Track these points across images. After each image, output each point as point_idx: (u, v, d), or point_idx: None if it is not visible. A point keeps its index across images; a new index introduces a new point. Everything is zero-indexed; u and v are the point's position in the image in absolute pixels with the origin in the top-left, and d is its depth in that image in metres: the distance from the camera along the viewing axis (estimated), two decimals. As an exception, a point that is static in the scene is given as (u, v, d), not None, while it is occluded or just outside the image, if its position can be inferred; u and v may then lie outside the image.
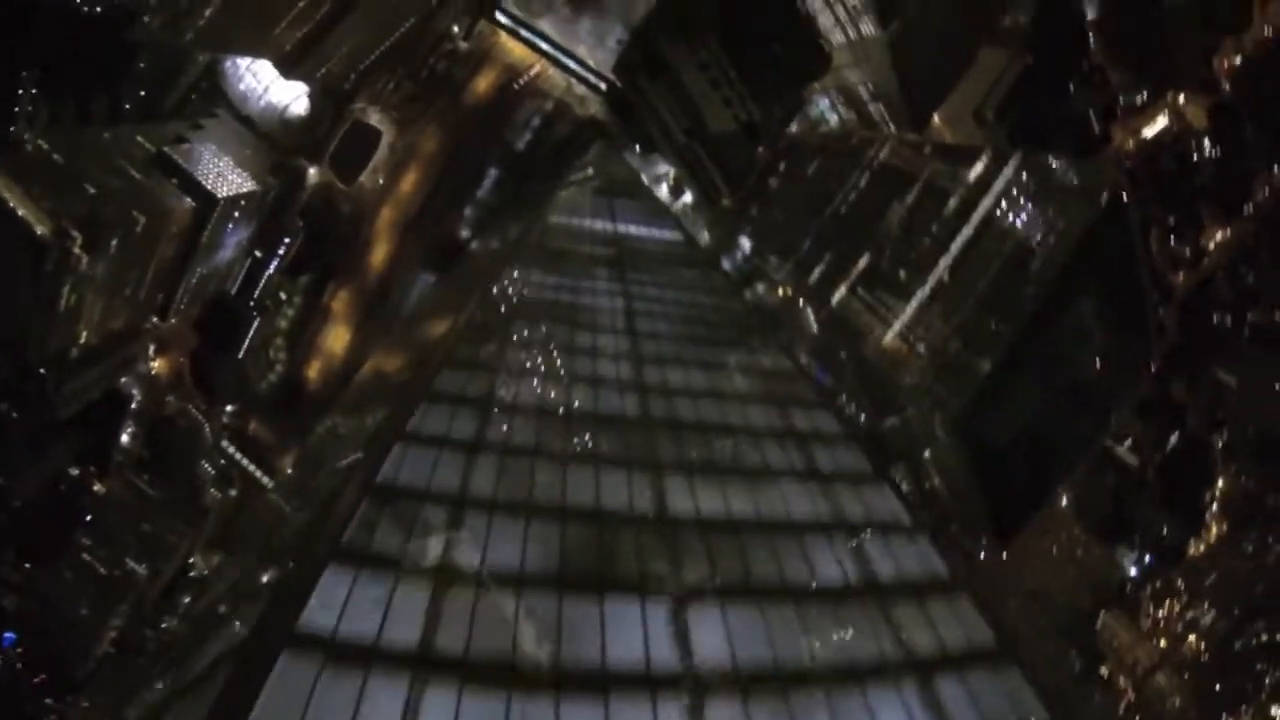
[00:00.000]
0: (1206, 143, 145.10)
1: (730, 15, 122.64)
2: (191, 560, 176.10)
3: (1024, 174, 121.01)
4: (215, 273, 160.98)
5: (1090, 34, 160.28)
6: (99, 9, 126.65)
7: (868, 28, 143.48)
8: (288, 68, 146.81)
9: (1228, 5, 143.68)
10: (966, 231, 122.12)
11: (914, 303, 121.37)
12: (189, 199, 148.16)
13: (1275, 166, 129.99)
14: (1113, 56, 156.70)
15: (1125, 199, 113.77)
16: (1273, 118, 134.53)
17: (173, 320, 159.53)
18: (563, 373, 50.19)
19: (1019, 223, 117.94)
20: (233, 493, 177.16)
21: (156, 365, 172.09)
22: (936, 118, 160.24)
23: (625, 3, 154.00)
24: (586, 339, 56.73)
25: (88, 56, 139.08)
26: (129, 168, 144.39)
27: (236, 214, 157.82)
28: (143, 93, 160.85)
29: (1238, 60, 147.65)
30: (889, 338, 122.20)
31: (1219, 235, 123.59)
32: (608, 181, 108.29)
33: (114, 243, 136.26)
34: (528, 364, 50.57)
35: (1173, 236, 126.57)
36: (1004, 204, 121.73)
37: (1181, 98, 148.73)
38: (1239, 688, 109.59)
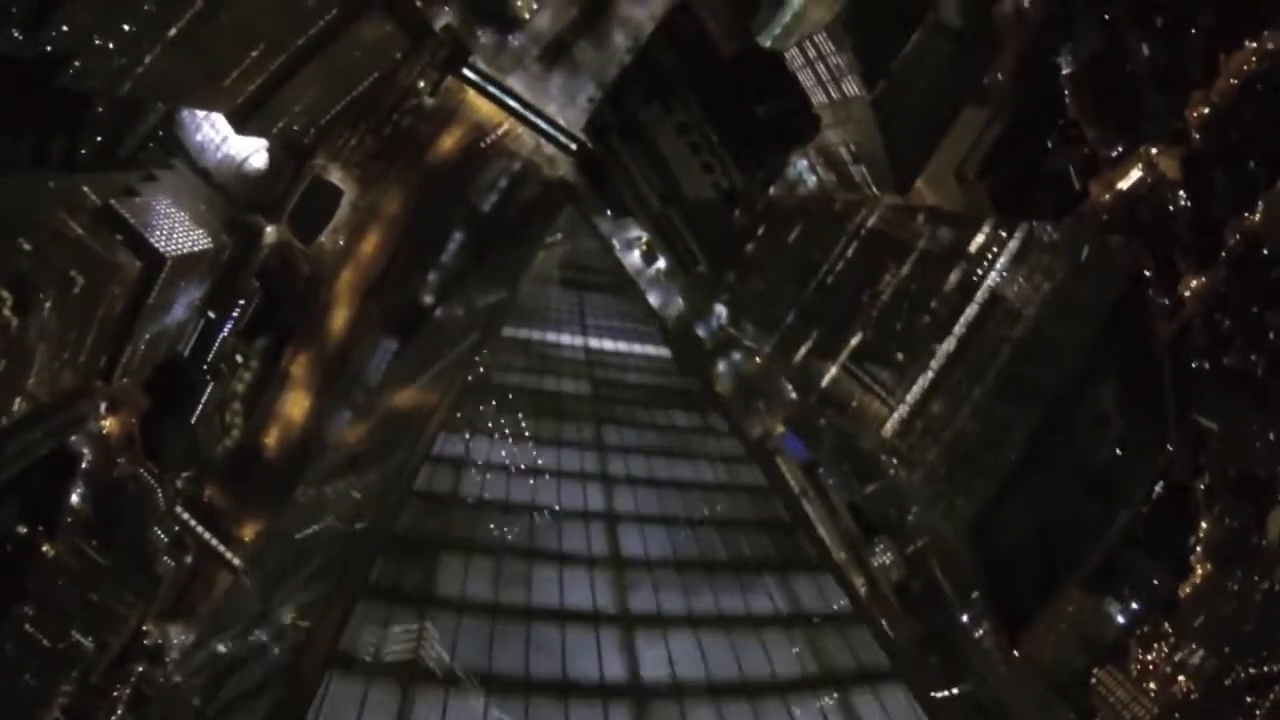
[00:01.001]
0: (1181, 194, 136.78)
1: (711, 75, 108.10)
2: (145, 628, 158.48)
3: (1030, 247, 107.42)
4: (165, 334, 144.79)
5: (1065, 90, 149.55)
6: (30, 54, 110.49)
7: (851, 88, 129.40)
8: (240, 121, 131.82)
9: (1195, 59, 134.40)
10: (971, 310, 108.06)
11: (916, 388, 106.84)
12: (135, 258, 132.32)
13: (1244, 212, 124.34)
14: (1087, 112, 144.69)
15: (1144, 278, 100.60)
16: (1240, 164, 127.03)
17: (119, 383, 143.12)
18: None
19: (1028, 302, 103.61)
20: (187, 560, 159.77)
21: (108, 424, 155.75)
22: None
23: (598, 60, 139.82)
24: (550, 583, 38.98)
25: (43, 98, 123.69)
26: (71, 221, 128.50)
27: (188, 273, 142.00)
28: (99, 138, 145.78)
29: (1206, 110, 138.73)
30: (890, 427, 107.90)
31: (1194, 283, 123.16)
32: (577, 268, 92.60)
33: (48, 305, 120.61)
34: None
35: (1150, 289, 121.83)
36: (1009, 279, 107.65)
37: (1154, 150, 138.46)
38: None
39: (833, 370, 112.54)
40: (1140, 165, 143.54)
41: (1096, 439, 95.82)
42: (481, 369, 59.97)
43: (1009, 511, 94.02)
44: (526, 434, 48.08)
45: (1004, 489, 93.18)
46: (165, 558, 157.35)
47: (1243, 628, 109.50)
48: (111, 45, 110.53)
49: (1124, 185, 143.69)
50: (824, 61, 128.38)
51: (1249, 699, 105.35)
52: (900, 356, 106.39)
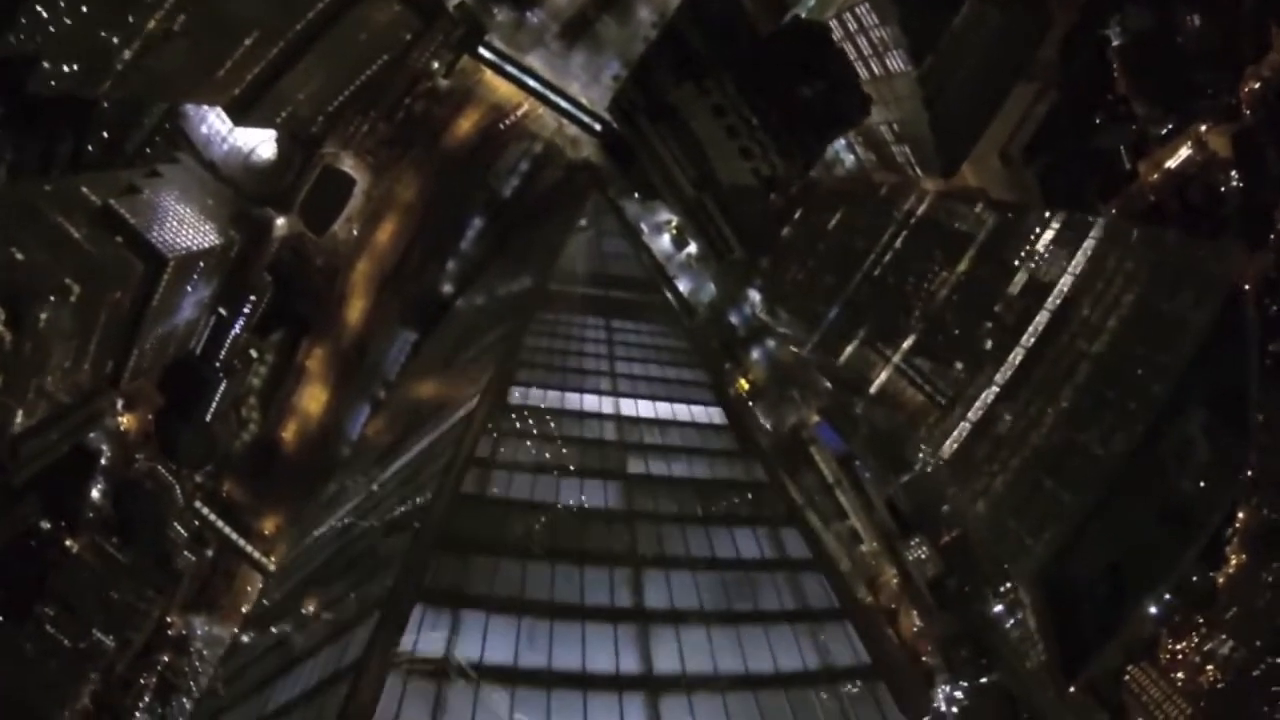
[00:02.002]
0: (1233, 173, 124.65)
1: (750, 53, 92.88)
2: (170, 620, 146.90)
3: (1108, 248, 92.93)
4: (174, 334, 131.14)
5: (1114, 65, 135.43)
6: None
7: (896, 63, 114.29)
8: (239, 114, 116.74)
9: (1247, 32, 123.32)
10: (1041, 317, 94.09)
11: (979, 404, 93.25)
12: (136, 260, 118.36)
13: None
14: (1136, 88, 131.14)
15: (1245, 291, 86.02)
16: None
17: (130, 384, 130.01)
18: None
19: (1109, 312, 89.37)
20: (208, 554, 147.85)
21: (125, 421, 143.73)
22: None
23: (621, 36, 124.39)
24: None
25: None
26: (69, 226, 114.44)
27: (195, 271, 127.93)
28: (105, 134, 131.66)
29: (1257, 86, 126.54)
30: (949, 446, 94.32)
31: (1237, 262, 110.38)
32: (603, 282, 77.70)
33: (43, 316, 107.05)
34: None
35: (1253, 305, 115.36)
36: (1086, 285, 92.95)
37: (1204, 128, 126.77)
38: (1256, 713, 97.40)
39: (884, 374, 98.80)
40: (1190, 143, 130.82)
41: (1179, 468, 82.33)
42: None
43: (1081, 550, 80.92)
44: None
45: (1079, 533, 80.00)
46: (185, 552, 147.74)
47: (1275, 619, 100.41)
48: (82, 44, 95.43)
49: (1172, 164, 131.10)
50: (866, 35, 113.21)
51: (1277, 689, 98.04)
52: (959, 366, 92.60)
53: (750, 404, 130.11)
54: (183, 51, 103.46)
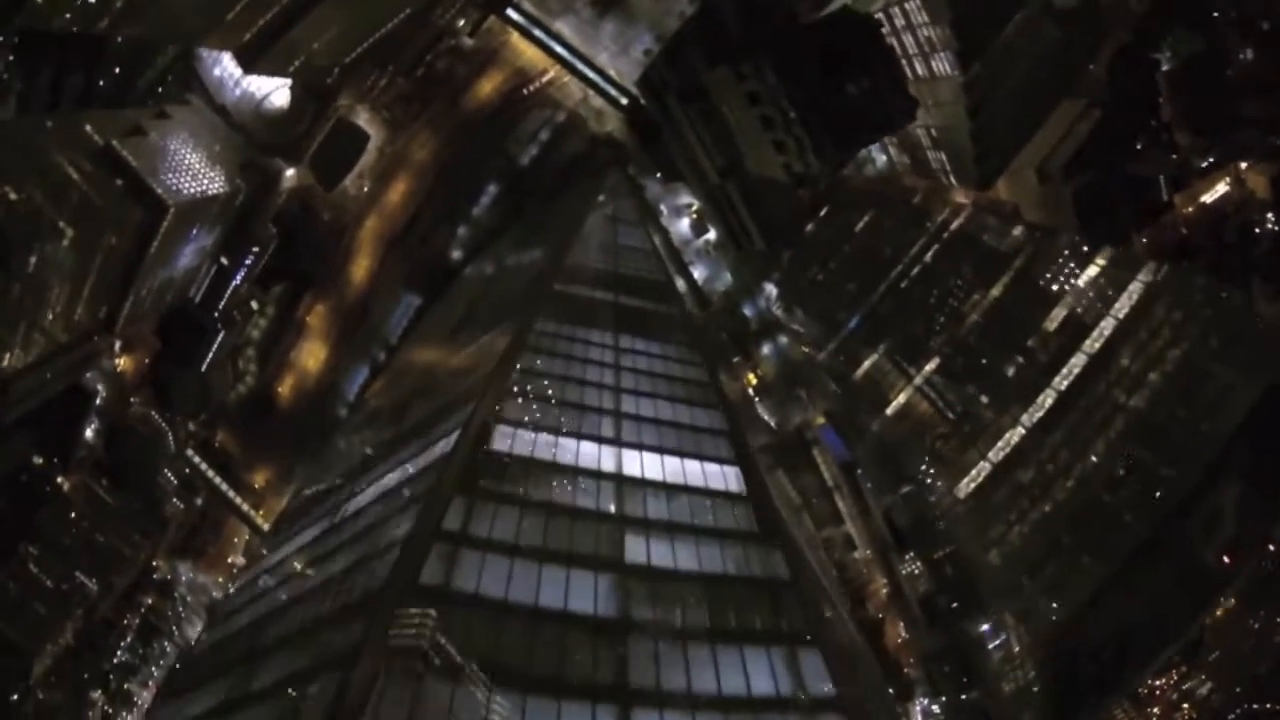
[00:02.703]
0: (1270, 215, 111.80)
1: (793, 41, 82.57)
2: (156, 564, 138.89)
3: (1158, 296, 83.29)
4: (173, 282, 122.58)
5: (1161, 89, 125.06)
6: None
7: (942, 65, 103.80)
8: (250, 59, 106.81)
9: None
10: (1077, 360, 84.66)
11: (1002, 443, 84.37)
12: (136, 206, 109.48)
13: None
14: (1181, 115, 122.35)
15: None
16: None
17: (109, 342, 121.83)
18: None
19: (1152, 365, 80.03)
20: (197, 502, 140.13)
21: (122, 363, 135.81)
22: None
23: (656, 8, 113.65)
24: None
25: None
26: (67, 165, 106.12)
27: (197, 220, 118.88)
28: (118, 70, 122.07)
29: None
30: (966, 485, 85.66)
31: (1265, 308, 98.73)
32: (611, 289, 66.52)
33: (32, 259, 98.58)
34: None
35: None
36: (1129, 332, 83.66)
37: (1244, 165, 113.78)
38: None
39: (903, 396, 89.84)
40: (1228, 179, 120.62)
41: (1205, 539, 73.74)
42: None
43: (1094, 613, 72.67)
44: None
45: (1095, 599, 71.68)
46: (175, 500, 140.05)
47: (1258, 667, 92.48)
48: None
49: (1209, 199, 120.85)
50: (913, 33, 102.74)
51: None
52: (985, 400, 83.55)
53: (757, 400, 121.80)
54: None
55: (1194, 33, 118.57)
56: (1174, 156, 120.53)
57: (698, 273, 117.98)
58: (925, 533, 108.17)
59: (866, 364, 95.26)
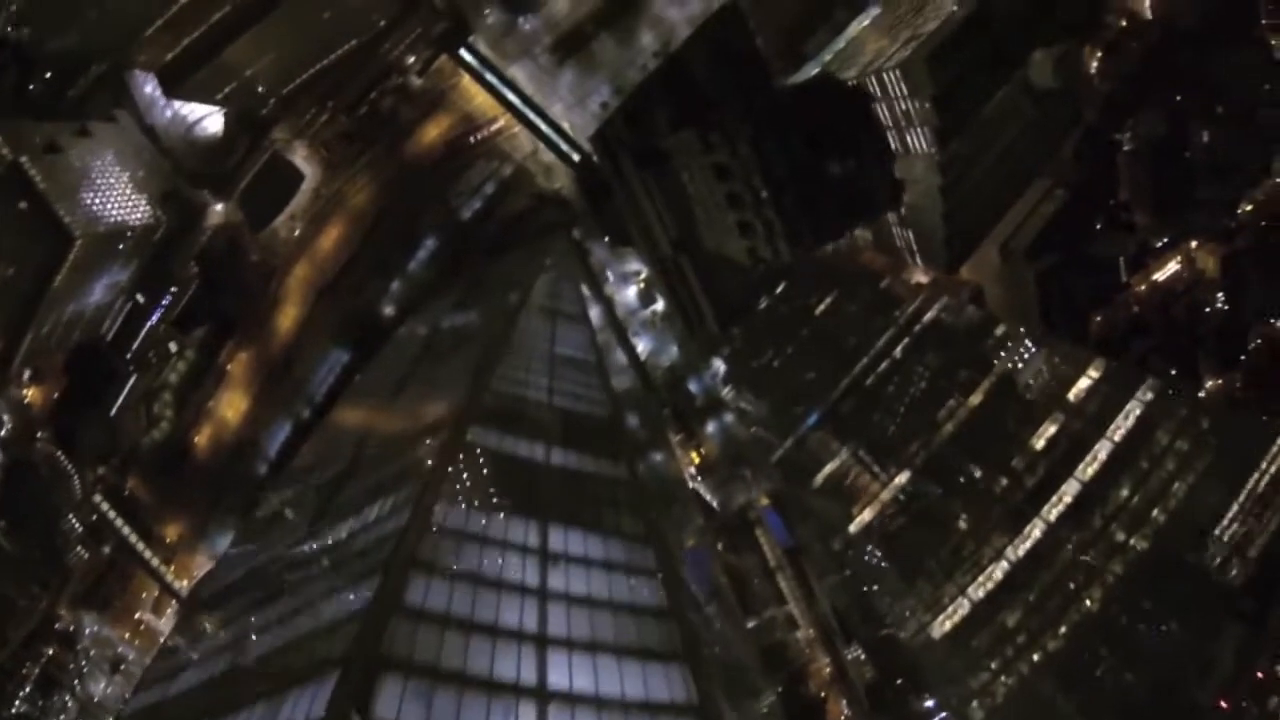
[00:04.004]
0: (1220, 295, 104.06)
1: (770, 110, 66.20)
2: (59, 613, 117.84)
3: (1164, 418, 67.83)
4: (81, 317, 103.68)
5: (1120, 169, 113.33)
6: None
7: (918, 141, 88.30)
8: (172, 82, 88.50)
9: (1251, 152, 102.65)
10: (1069, 488, 69.00)
11: (983, 578, 67.78)
12: (39, 234, 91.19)
13: (1272, 318, 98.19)
14: (1138, 195, 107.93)
15: None
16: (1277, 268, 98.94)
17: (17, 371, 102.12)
18: None
19: (1157, 501, 64.34)
20: (105, 551, 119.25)
21: (30, 393, 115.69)
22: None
23: (618, 59, 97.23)
24: None
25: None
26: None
27: (111, 252, 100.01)
28: (49, 74, 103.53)
29: (1249, 208, 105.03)
30: (939, 626, 68.87)
31: (1210, 385, 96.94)
32: (543, 438, 47.55)
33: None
34: None
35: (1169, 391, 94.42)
36: (1132, 455, 68.16)
37: (1194, 244, 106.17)
38: None
39: (866, 514, 73.33)
40: (1179, 259, 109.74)
41: (1200, 682, 58.27)
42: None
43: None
44: None
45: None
46: (79, 548, 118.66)
47: None
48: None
49: (1160, 277, 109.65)
50: (890, 104, 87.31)
51: None
52: (964, 524, 67.31)
53: (699, 480, 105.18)
54: None
55: (1157, 114, 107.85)
56: (1132, 236, 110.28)
57: (642, 345, 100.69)
58: (867, 614, 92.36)
59: (828, 468, 78.61)
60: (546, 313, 64.67)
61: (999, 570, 64.36)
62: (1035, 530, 65.82)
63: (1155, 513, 60.84)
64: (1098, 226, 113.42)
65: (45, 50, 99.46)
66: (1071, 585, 63.66)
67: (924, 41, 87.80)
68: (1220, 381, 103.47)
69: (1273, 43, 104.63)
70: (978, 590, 64.04)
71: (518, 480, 44.38)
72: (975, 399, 72.40)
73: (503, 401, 51.08)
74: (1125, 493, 63.45)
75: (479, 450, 45.96)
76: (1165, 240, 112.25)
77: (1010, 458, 68.82)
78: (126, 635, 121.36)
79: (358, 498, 48.31)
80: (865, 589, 75.01)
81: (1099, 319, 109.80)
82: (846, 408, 78.66)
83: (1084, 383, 70.11)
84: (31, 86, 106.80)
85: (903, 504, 71.77)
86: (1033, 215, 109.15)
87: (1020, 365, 71.24)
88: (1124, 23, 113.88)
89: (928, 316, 79.81)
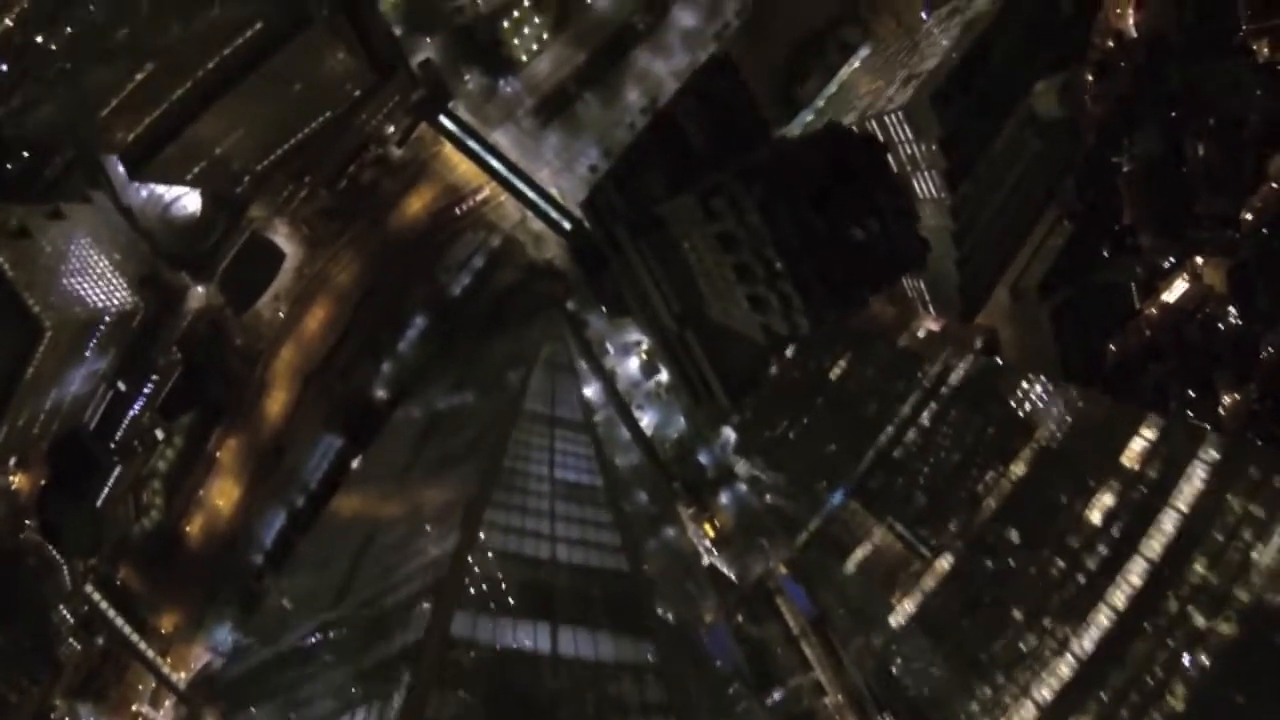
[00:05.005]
0: (1230, 309, 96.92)
1: (782, 167, 55.29)
2: (55, 703, 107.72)
3: (1234, 481, 56.31)
4: (60, 408, 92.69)
5: (1122, 193, 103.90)
6: None
7: (926, 186, 77.91)
8: (136, 163, 78.06)
9: (1248, 162, 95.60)
10: (1135, 570, 56.82)
11: (1047, 681, 56.05)
12: (10, 324, 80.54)
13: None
14: (1142, 217, 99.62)
15: None
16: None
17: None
18: None
19: (1237, 577, 52.71)
20: (98, 641, 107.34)
21: (16, 480, 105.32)
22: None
23: (604, 119, 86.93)
24: None
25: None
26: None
27: (89, 340, 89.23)
28: (25, 153, 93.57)
29: (1249, 217, 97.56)
30: None
31: (1228, 400, 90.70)
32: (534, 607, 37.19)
33: None
34: None
35: (1190, 411, 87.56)
36: (1201, 528, 56.72)
37: (1199, 260, 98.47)
38: None
39: (908, 604, 61.84)
40: (1186, 275, 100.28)
41: None
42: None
43: None
44: None
45: None
46: (71, 640, 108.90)
47: None
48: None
49: (1169, 298, 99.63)
50: (894, 149, 77.25)
51: None
52: (1019, 613, 56.07)
53: (714, 553, 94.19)
54: (72, 78, 65.11)
55: (1152, 132, 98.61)
56: (1140, 259, 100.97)
57: (647, 418, 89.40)
58: (890, 685, 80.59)
59: (860, 551, 67.23)
60: (546, 420, 53.53)
61: (1065, 666, 53.04)
62: (1102, 618, 54.33)
63: (1237, 591, 49.55)
64: (1105, 254, 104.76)
65: (20, 130, 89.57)
66: (1150, 681, 52.04)
67: (925, 81, 77.46)
68: (1238, 396, 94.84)
69: (1255, 48, 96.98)
70: (1042, 690, 52.66)
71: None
72: (1017, 468, 61.29)
73: (486, 558, 40.79)
74: (1200, 570, 52.04)
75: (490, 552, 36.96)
76: (1172, 259, 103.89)
77: (1064, 534, 57.53)
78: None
79: (370, 599, 42.32)
80: (915, 692, 62.82)
81: (1112, 348, 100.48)
82: (875, 482, 67.31)
83: (1138, 444, 58.71)
84: (9, 166, 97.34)
85: (948, 591, 60.44)
86: (1040, 250, 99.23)
87: (1061, 427, 60.11)
88: (1111, 43, 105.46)
89: (953, 378, 68.66)
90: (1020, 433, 62.16)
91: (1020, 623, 56.55)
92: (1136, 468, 58.28)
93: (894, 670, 67.68)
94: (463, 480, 49.18)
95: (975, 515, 60.45)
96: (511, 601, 37.20)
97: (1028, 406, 64.44)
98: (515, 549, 37.23)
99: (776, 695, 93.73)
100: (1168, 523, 54.92)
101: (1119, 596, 54.16)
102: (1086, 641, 53.82)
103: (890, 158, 76.37)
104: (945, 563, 60.46)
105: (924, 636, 60.37)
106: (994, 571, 58.97)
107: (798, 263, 53.71)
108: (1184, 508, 55.31)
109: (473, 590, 35.25)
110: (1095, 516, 56.83)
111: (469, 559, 35.94)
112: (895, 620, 62.48)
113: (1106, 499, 56.89)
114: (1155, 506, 55.87)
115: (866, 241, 54.44)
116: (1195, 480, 55.69)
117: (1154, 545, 54.80)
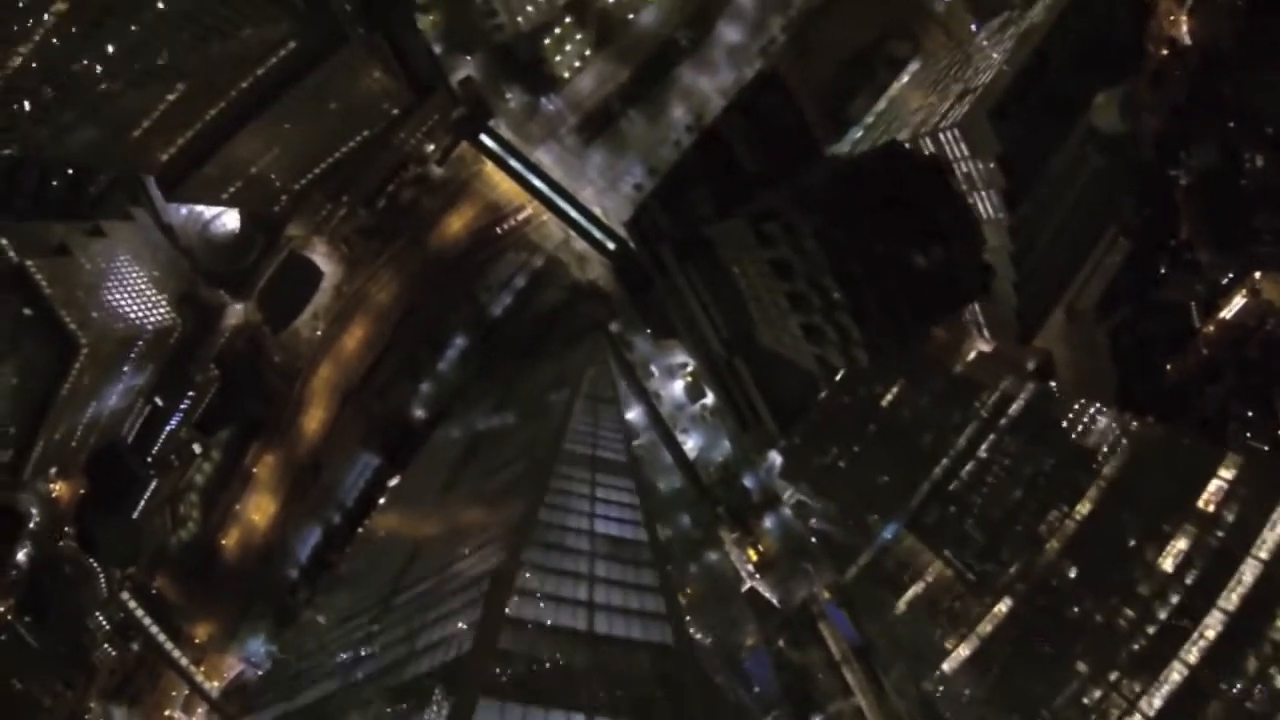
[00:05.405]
0: None
1: (839, 191, 51.35)
2: (90, 705, 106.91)
3: None
4: (97, 423, 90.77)
5: (1179, 208, 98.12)
6: None
7: (985, 206, 73.53)
8: (170, 185, 75.48)
9: None
10: (1214, 619, 51.62)
11: None
12: (46, 340, 78.40)
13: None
14: (1199, 232, 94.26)
15: None
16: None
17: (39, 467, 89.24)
18: None
19: None
20: (133, 647, 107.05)
21: (57, 488, 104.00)
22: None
23: (649, 137, 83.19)
24: None
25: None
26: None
27: (126, 356, 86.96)
28: (70, 171, 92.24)
29: None
30: None
31: None
32: None
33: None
34: None
35: (1249, 433, 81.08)
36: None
37: (1258, 275, 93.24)
38: None
39: (963, 649, 57.29)
40: (1244, 291, 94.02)
41: None
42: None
43: None
44: None
45: None
46: (106, 645, 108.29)
47: None
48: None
49: (1227, 315, 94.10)
50: (966, 162, 72.71)
51: None
52: (1084, 665, 51.37)
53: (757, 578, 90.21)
54: (80, 98, 62.39)
55: (1209, 144, 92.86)
56: (1199, 276, 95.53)
57: (692, 442, 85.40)
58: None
59: (914, 589, 62.85)
60: (587, 443, 50.05)
61: (1139, 724, 48.66)
62: (1174, 675, 49.85)
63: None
64: (1162, 271, 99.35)
65: (62, 152, 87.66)
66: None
67: (981, 95, 72.80)
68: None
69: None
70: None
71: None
72: (1083, 507, 56.74)
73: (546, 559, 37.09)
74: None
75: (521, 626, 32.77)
76: (1230, 275, 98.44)
77: (1134, 582, 52.98)
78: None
79: (412, 615, 39.85)
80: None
81: (1170, 368, 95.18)
82: (930, 517, 63.02)
83: (1215, 485, 54.00)
84: (55, 183, 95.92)
85: (1007, 637, 55.98)
86: (1097, 269, 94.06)
87: (1129, 462, 55.25)
88: (1165, 51, 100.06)
89: (1012, 408, 64.12)
90: (1085, 468, 57.60)
91: (1085, 675, 51.99)
92: (1212, 510, 53.58)
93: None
94: (498, 528, 45.98)
95: (1037, 556, 55.96)
96: (543, 685, 33.42)
97: (1092, 439, 59.82)
98: (550, 619, 33.40)
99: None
100: (1248, 573, 50.26)
101: (1193, 652, 49.53)
102: (1157, 699, 49.28)
103: (962, 169, 72.28)
104: (1004, 606, 56.04)
105: (979, 685, 56.01)
106: (1057, 618, 54.42)
107: (857, 293, 49.65)
108: (1265, 556, 50.66)
109: (499, 671, 31.17)
110: (1167, 563, 52.20)
111: (497, 635, 31.81)
112: (949, 665, 58.13)
113: (1180, 544, 52.23)
114: (1234, 554, 51.15)
115: (929, 269, 50.25)
116: (1279, 526, 51.06)
117: (1232, 597, 50.14)
